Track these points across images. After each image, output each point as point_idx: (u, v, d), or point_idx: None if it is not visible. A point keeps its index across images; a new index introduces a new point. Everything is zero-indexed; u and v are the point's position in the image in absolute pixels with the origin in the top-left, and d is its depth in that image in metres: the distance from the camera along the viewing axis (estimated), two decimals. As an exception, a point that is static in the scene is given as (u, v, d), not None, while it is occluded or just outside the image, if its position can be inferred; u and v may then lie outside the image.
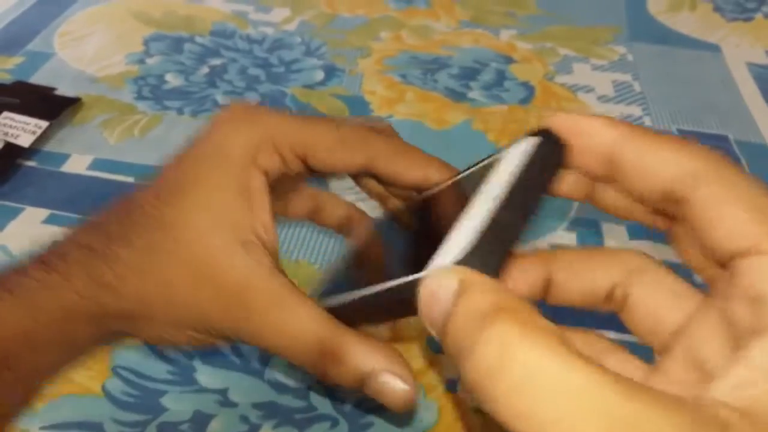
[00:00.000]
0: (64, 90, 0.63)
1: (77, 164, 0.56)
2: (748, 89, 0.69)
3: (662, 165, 0.19)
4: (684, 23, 0.80)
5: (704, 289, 0.21)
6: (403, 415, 0.35)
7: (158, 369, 0.41)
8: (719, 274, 0.19)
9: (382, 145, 0.29)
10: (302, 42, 0.73)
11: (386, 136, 0.30)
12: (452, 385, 0.41)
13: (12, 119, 0.57)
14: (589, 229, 0.52)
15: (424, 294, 0.18)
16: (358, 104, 0.64)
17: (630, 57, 0.73)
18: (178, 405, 0.39)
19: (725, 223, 0.17)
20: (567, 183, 0.22)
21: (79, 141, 0.58)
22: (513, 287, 0.23)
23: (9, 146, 0.55)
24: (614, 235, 0.52)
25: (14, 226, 0.50)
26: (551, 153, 0.20)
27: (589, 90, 0.68)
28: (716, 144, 0.62)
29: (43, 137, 0.57)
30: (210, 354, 0.42)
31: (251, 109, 0.28)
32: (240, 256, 0.25)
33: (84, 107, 0.62)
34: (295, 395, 0.40)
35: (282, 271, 0.27)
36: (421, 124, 0.62)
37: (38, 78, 0.65)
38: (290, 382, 0.40)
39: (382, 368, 0.25)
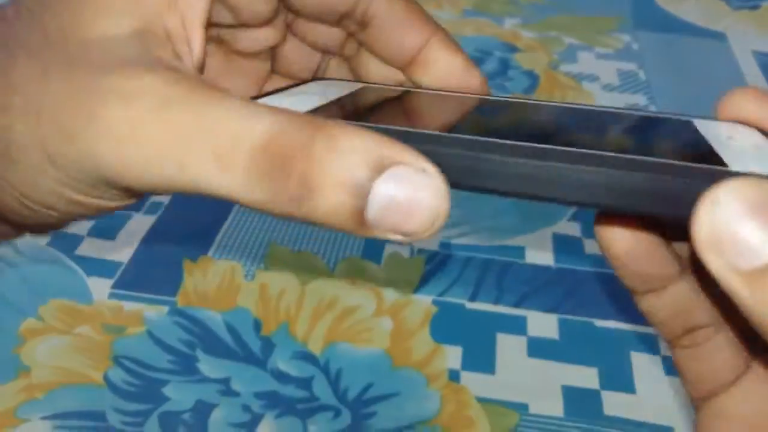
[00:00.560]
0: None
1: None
2: (754, 78, 0.69)
3: None
4: (689, 11, 0.79)
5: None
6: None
7: (160, 358, 0.41)
8: None
9: None
10: None
11: None
12: (455, 375, 0.40)
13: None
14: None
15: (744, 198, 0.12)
16: (360, 93, 0.63)
17: (635, 45, 0.73)
18: (179, 394, 0.39)
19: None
20: None
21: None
22: None
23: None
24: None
25: (16, 216, 0.50)
26: None
27: (593, 79, 0.68)
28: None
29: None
30: (212, 343, 0.41)
31: None
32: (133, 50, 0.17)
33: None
34: (298, 385, 0.40)
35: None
36: (424, 114, 0.61)
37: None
38: (293, 372, 0.40)
39: (383, 157, 0.15)
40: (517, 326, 0.43)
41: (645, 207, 0.15)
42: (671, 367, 0.41)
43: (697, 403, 0.21)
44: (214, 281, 0.46)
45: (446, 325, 0.43)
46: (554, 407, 0.39)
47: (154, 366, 0.40)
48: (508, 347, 0.42)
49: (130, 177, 0.16)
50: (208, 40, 0.22)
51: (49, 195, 0.17)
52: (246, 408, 0.38)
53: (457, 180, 0.16)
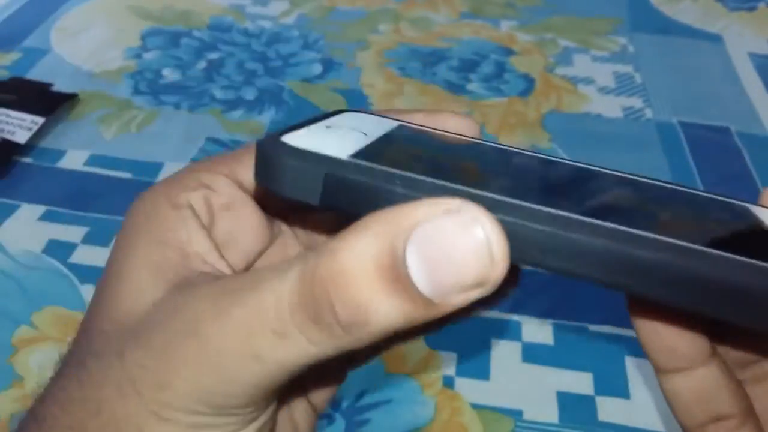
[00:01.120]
0: (60, 86, 0.63)
1: (73, 160, 0.56)
2: (750, 80, 0.68)
3: None
4: (685, 13, 0.79)
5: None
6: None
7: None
8: None
9: None
10: (300, 35, 0.73)
11: None
12: (449, 381, 0.40)
13: (8, 115, 0.57)
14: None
15: None
16: (356, 98, 0.63)
17: (631, 48, 0.73)
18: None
19: None
20: None
21: (75, 137, 0.58)
22: None
23: (5, 143, 0.55)
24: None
25: (10, 223, 0.50)
26: None
27: (589, 82, 0.68)
28: (717, 136, 0.61)
29: (39, 133, 0.57)
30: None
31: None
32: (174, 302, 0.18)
33: (80, 103, 0.62)
34: (292, 392, 0.39)
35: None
36: (419, 118, 0.61)
37: (35, 74, 0.65)
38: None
39: (411, 220, 0.14)
40: (512, 332, 0.43)
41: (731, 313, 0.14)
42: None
43: None
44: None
45: (440, 331, 0.43)
46: (549, 413, 0.39)
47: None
48: (503, 353, 0.42)
49: (225, 398, 0.16)
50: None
51: None
52: (240, 416, 0.38)
53: (521, 256, 0.15)
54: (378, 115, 0.22)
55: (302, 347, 0.15)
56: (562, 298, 0.45)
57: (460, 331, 0.43)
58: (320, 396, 0.24)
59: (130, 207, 0.21)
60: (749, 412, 0.20)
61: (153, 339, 0.17)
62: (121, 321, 0.18)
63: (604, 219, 0.15)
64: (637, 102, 0.65)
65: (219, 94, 0.64)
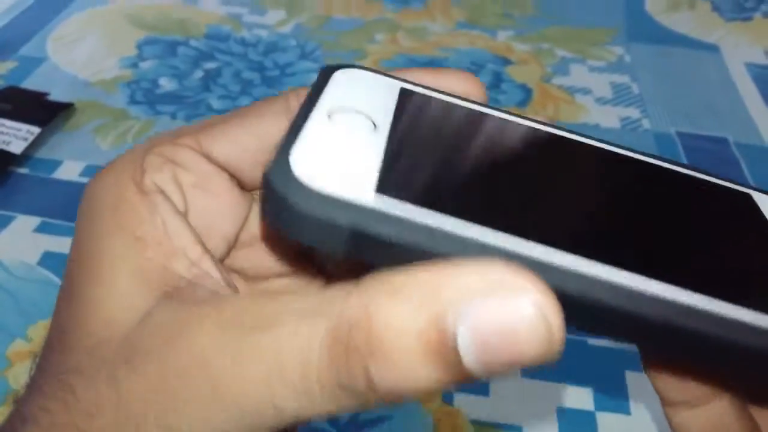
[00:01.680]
0: (56, 95, 0.62)
1: (69, 171, 0.55)
2: (748, 90, 0.69)
3: None
4: (682, 23, 0.79)
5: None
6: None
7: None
8: None
9: None
10: (297, 45, 0.72)
11: None
12: (448, 397, 0.40)
13: (3, 125, 0.57)
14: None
15: None
16: (353, 108, 0.63)
17: (628, 58, 0.73)
18: (170, 418, 0.38)
19: None
20: None
21: (71, 147, 0.58)
22: None
23: (0, 153, 0.54)
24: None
25: (5, 234, 0.49)
26: None
27: (586, 92, 0.68)
28: (715, 146, 0.61)
29: (35, 143, 0.56)
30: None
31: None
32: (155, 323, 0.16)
33: (77, 112, 0.61)
34: (290, 407, 0.39)
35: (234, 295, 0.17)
36: (417, 128, 0.61)
37: (31, 83, 0.65)
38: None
39: (459, 290, 0.13)
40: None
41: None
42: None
43: None
44: (205, 301, 0.45)
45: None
46: (549, 429, 0.39)
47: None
48: (502, 367, 0.42)
49: None
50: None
51: None
52: (237, 432, 0.38)
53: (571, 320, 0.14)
54: (373, 73, 0.20)
55: (324, 407, 0.14)
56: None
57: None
58: None
59: (86, 191, 0.19)
60: None
61: (150, 369, 0.16)
62: (103, 335, 0.17)
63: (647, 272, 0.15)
64: (634, 112, 0.65)
65: (216, 103, 0.64)
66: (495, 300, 0.12)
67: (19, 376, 0.40)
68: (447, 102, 0.20)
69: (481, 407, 0.40)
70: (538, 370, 0.42)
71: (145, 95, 0.64)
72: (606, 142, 0.21)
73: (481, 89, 0.21)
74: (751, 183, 0.58)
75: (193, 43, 0.72)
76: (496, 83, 0.68)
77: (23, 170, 0.55)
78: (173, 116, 0.62)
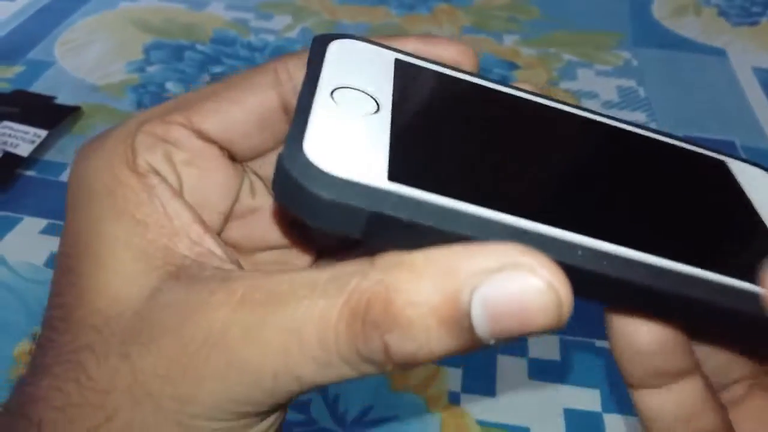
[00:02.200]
0: (64, 99, 0.63)
1: (76, 173, 0.55)
2: (755, 94, 0.68)
3: None
4: (689, 28, 0.79)
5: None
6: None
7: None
8: None
9: None
10: (304, 49, 0.73)
11: None
12: (455, 398, 0.40)
13: (11, 128, 0.57)
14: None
15: None
16: (359, 111, 0.63)
17: (634, 62, 0.73)
18: (175, 418, 0.38)
19: None
20: None
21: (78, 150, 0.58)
22: None
23: (8, 156, 0.55)
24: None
25: (12, 236, 0.50)
26: None
27: (593, 96, 0.68)
28: (723, 149, 0.61)
29: (42, 146, 0.57)
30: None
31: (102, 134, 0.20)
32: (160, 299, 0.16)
33: (84, 116, 0.62)
34: (296, 408, 0.39)
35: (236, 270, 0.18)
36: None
37: (38, 87, 0.65)
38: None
39: (474, 272, 0.14)
40: (518, 347, 0.43)
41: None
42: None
43: None
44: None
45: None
46: (556, 430, 0.38)
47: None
48: (509, 369, 0.42)
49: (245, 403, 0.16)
50: None
51: None
52: (243, 432, 0.38)
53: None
54: (367, 43, 0.20)
55: (344, 373, 0.15)
56: (569, 313, 0.45)
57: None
58: None
59: (74, 173, 0.19)
60: (730, 430, 0.19)
61: (165, 345, 0.16)
62: (111, 312, 0.17)
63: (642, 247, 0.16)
64: (641, 116, 0.65)
65: (222, 107, 0.64)
66: (507, 277, 0.13)
67: (25, 376, 0.40)
68: (444, 75, 0.20)
69: (488, 408, 0.39)
70: (545, 371, 0.41)
71: (152, 99, 0.64)
72: (605, 115, 0.22)
73: (473, 58, 0.21)
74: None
75: (199, 47, 0.72)
76: (502, 87, 0.68)
77: (30, 173, 0.55)
78: (180, 119, 0.62)
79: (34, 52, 0.70)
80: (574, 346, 0.43)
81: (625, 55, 0.74)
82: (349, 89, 0.17)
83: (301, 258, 0.22)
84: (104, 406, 0.16)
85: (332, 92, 0.17)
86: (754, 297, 0.16)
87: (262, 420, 0.17)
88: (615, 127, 0.21)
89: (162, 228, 0.17)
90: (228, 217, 0.20)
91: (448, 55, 0.20)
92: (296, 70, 0.20)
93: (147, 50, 0.71)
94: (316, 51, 0.19)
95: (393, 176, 0.15)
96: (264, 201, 0.21)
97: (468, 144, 0.18)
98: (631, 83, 0.70)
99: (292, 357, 0.15)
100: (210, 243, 0.18)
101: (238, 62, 0.70)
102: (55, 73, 0.67)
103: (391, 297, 0.14)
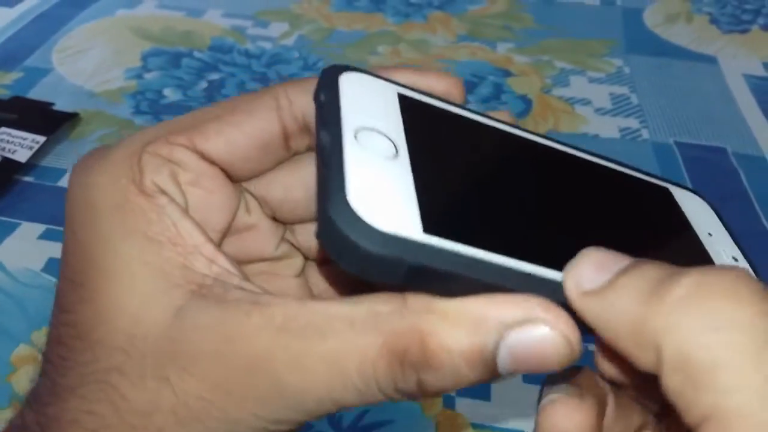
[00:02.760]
0: (62, 105, 0.63)
1: (74, 179, 0.56)
2: (746, 101, 0.69)
3: None
4: (680, 35, 0.80)
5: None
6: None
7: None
8: None
9: None
10: (300, 56, 0.73)
11: None
12: (450, 401, 0.40)
13: (9, 134, 0.58)
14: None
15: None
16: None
17: (627, 69, 0.74)
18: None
19: None
20: None
21: (76, 156, 0.58)
22: None
23: (6, 161, 0.55)
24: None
25: (10, 241, 0.50)
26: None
27: (586, 103, 0.68)
28: (714, 156, 0.62)
29: (40, 152, 0.57)
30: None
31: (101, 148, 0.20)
32: (180, 323, 0.17)
33: (82, 122, 0.62)
34: (292, 412, 0.39)
35: (248, 288, 0.18)
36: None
37: (36, 93, 0.65)
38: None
39: (500, 324, 0.16)
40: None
41: None
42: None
43: None
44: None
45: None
46: (549, 433, 0.39)
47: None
48: (503, 372, 0.42)
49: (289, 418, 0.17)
50: None
51: None
52: (240, 436, 0.38)
53: None
54: (371, 76, 0.20)
55: (378, 399, 0.17)
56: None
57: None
58: None
59: (77, 191, 0.19)
60: None
61: (207, 370, 0.17)
62: (134, 332, 0.17)
63: None
64: (633, 123, 0.66)
65: (219, 114, 0.64)
66: (530, 329, 0.16)
67: (24, 381, 0.41)
68: (447, 113, 0.21)
69: (482, 411, 0.40)
70: (539, 375, 0.42)
71: (150, 106, 0.65)
72: (604, 157, 0.23)
73: (461, 90, 0.22)
74: (750, 192, 0.58)
75: (197, 54, 0.73)
76: (496, 94, 0.68)
77: (28, 178, 0.56)
78: (177, 126, 0.62)
79: (32, 58, 0.71)
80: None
81: (618, 62, 0.75)
82: (369, 130, 0.18)
83: (290, 267, 0.23)
84: (147, 428, 0.17)
85: (356, 133, 0.18)
86: None
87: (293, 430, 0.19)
88: (618, 172, 0.23)
89: (176, 246, 0.18)
90: (225, 234, 0.21)
91: (439, 88, 0.21)
92: (297, 97, 0.20)
93: (145, 57, 0.72)
94: (329, 86, 0.19)
95: (428, 228, 0.16)
96: (258, 218, 0.22)
97: (487, 190, 0.19)
98: (623, 90, 0.70)
99: (334, 386, 0.16)
100: (223, 261, 0.18)
101: (235, 69, 0.71)
102: (52, 80, 0.68)
103: (427, 341, 0.16)
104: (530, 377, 0.42)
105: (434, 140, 0.20)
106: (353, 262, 0.16)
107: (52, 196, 0.54)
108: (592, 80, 0.72)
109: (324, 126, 0.18)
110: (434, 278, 0.16)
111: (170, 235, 0.18)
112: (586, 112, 0.67)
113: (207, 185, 0.20)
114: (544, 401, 0.19)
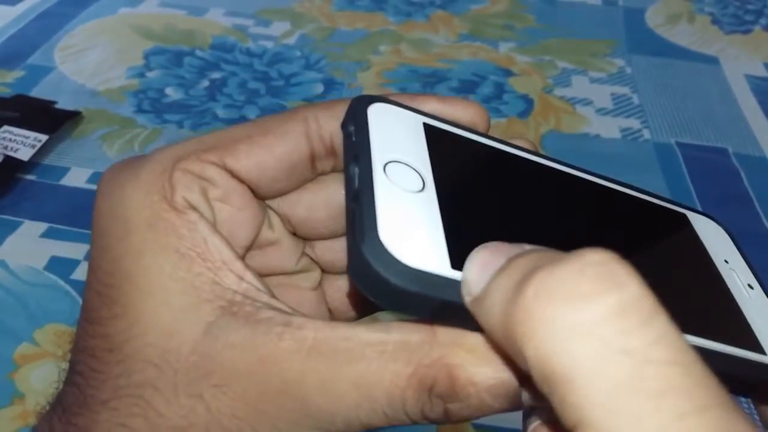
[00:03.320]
0: (64, 103, 0.63)
1: (76, 178, 0.56)
2: (747, 101, 0.69)
3: None
4: (682, 36, 0.80)
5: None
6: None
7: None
8: None
9: None
10: (302, 55, 0.73)
11: None
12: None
13: (11, 133, 0.58)
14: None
15: None
16: (357, 117, 0.64)
17: (628, 69, 0.74)
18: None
19: None
20: None
21: (78, 154, 0.59)
22: None
23: (8, 160, 0.55)
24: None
25: (12, 239, 0.50)
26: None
27: (587, 103, 0.68)
28: (715, 157, 0.62)
29: (42, 151, 0.57)
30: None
31: (131, 159, 0.21)
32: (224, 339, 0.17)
33: (84, 121, 0.62)
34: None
35: (282, 308, 0.18)
36: (419, 137, 0.62)
37: (38, 92, 0.66)
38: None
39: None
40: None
41: None
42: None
43: None
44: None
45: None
46: (550, 433, 0.39)
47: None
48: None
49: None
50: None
51: None
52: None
53: None
54: (397, 107, 0.20)
55: (405, 422, 0.17)
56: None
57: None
58: None
59: (106, 199, 0.19)
60: None
61: (241, 390, 0.17)
62: (166, 346, 0.18)
63: None
64: (635, 123, 0.66)
65: (221, 113, 0.64)
66: None
67: (26, 378, 0.41)
68: (472, 143, 0.21)
69: (483, 411, 0.40)
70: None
71: (152, 104, 0.65)
72: (623, 183, 0.24)
73: (486, 119, 0.22)
74: (751, 192, 0.58)
75: (199, 53, 0.73)
76: (498, 94, 0.69)
77: (31, 177, 0.56)
78: (180, 125, 0.62)
79: (34, 57, 0.71)
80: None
81: (619, 62, 0.75)
82: (397, 163, 0.18)
83: (308, 280, 0.24)
84: None
85: (384, 167, 0.18)
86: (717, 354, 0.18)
87: None
88: (637, 198, 0.24)
89: (206, 262, 0.18)
90: (249, 249, 0.22)
91: (465, 117, 0.22)
92: (326, 122, 0.21)
93: (147, 56, 0.72)
94: (359, 118, 0.19)
95: (455, 264, 0.16)
96: (280, 234, 0.23)
97: (513, 222, 0.19)
98: (625, 90, 0.70)
99: (363, 409, 0.17)
100: (251, 278, 0.19)
101: (237, 68, 0.71)
102: (55, 78, 0.68)
103: (455, 375, 0.16)
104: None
105: (460, 172, 0.20)
106: (384, 297, 0.16)
107: (55, 194, 0.54)
108: (593, 80, 0.72)
109: (354, 159, 0.18)
110: (462, 313, 0.16)
111: (200, 251, 0.18)
112: (588, 112, 0.67)
113: (235, 202, 0.20)
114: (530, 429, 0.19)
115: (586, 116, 0.66)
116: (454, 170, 0.20)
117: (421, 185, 0.18)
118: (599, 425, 0.12)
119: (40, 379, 0.41)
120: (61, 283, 0.47)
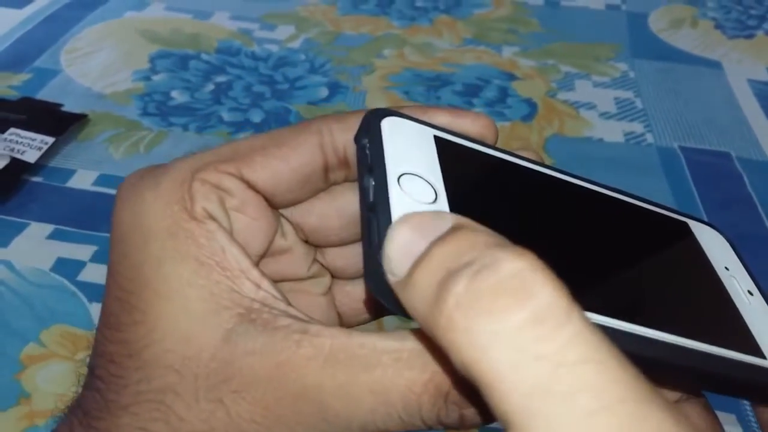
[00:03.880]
0: (70, 106, 0.64)
1: (82, 180, 0.56)
2: (750, 106, 0.70)
3: None
4: (685, 40, 0.80)
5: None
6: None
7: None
8: None
9: None
10: (307, 59, 0.74)
11: None
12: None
13: (18, 135, 0.58)
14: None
15: None
16: (361, 121, 0.64)
17: (632, 74, 0.74)
18: None
19: None
20: None
21: (84, 157, 0.59)
22: None
23: (15, 162, 0.56)
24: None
25: (19, 241, 0.50)
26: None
27: (591, 107, 0.69)
28: (718, 161, 0.62)
29: (48, 153, 0.57)
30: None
31: (150, 168, 0.21)
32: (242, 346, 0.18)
33: (90, 123, 0.63)
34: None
35: (297, 316, 0.19)
36: (423, 141, 0.62)
37: (45, 94, 0.66)
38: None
39: None
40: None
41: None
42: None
43: None
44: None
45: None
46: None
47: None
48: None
49: None
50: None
51: None
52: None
53: None
54: (409, 120, 0.21)
55: (419, 427, 0.18)
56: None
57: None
58: None
59: (126, 208, 0.20)
60: None
61: (260, 395, 0.18)
62: (186, 352, 0.18)
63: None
64: (638, 127, 0.66)
65: (227, 116, 0.65)
66: None
67: (32, 379, 0.41)
68: (482, 155, 0.22)
69: (487, 413, 0.40)
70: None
71: (158, 107, 0.65)
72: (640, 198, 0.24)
73: (495, 132, 0.23)
74: (754, 196, 0.58)
75: (204, 57, 0.73)
76: (501, 98, 0.69)
77: (37, 179, 0.56)
78: (185, 128, 0.63)
79: (40, 60, 0.71)
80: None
81: (623, 66, 0.75)
82: (411, 176, 0.19)
83: (318, 285, 0.24)
84: None
85: (398, 179, 0.18)
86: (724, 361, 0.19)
87: None
88: (641, 207, 0.24)
89: (225, 270, 0.19)
90: (262, 257, 0.22)
91: (474, 130, 0.22)
92: (339, 134, 0.21)
93: (153, 59, 0.72)
94: (372, 131, 0.19)
95: None
96: (293, 242, 0.23)
97: (521, 233, 0.20)
98: (628, 94, 0.71)
99: (380, 415, 0.17)
100: (268, 286, 0.19)
101: (242, 71, 0.71)
102: (61, 81, 0.68)
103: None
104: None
105: (470, 183, 0.21)
106: (399, 305, 0.17)
107: (61, 196, 0.55)
108: (597, 84, 0.72)
109: (369, 171, 0.18)
110: None
111: (219, 260, 0.19)
112: (591, 116, 0.67)
113: (251, 212, 0.21)
114: None
115: (590, 120, 0.67)
116: (465, 182, 0.20)
117: (434, 197, 0.19)
118: (519, 428, 0.13)
119: (47, 379, 0.41)
120: (68, 284, 0.47)
